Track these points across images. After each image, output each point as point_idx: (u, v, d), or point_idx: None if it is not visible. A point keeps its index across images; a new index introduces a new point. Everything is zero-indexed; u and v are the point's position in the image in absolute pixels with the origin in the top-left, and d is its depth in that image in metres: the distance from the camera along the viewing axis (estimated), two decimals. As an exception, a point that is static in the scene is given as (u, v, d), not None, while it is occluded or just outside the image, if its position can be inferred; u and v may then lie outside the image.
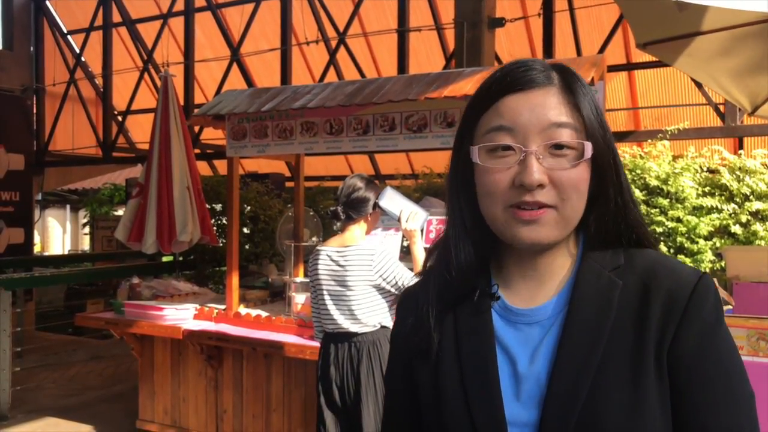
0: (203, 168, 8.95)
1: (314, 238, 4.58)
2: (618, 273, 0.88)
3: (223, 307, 4.21)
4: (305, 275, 4.10)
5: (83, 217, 13.13)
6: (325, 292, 2.92)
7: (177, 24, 8.40)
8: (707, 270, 4.29)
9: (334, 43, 7.43)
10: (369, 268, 2.82)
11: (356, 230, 2.96)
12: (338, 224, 3.02)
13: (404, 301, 1.03)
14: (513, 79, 0.87)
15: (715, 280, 3.08)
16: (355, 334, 2.86)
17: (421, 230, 3.37)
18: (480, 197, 0.90)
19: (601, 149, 0.87)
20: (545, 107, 0.86)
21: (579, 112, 0.87)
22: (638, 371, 0.83)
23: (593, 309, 0.86)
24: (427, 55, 7.44)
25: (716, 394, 0.83)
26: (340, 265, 2.88)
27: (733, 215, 4.30)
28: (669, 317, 0.84)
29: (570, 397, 0.83)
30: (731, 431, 0.82)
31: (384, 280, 2.83)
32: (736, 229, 4.24)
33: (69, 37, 9.57)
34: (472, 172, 0.90)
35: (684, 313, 0.84)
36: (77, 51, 9.36)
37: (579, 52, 6.24)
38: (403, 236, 3.81)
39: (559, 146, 0.85)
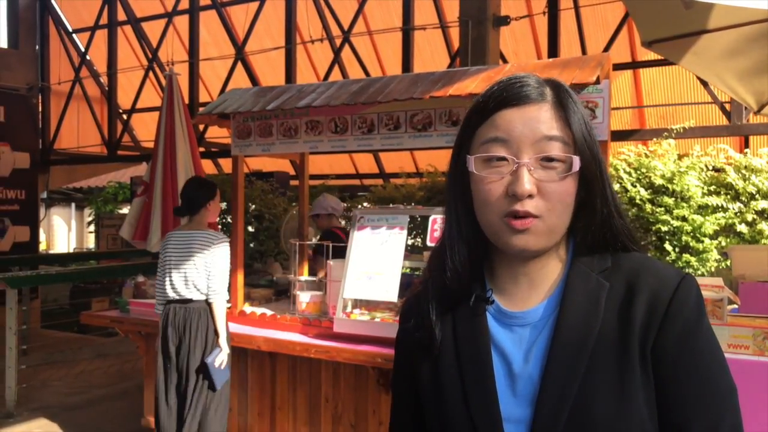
0: (208, 166, 8.96)
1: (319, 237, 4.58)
2: (605, 275, 0.94)
3: (228, 305, 4.20)
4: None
5: (88, 215, 13.20)
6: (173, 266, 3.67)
7: (182, 22, 8.42)
8: (713, 269, 4.27)
9: (338, 42, 7.43)
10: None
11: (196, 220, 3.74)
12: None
13: (408, 305, 1.07)
14: (509, 94, 0.93)
15: (717, 279, 3.05)
16: (190, 301, 3.62)
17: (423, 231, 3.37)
18: (476, 205, 0.95)
19: (589, 162, 0.93)
20: (538, 121, 0.91)
21: (569, 127, 0.92)
22: (625, 368, 0.87)
23: (582, 311, 0.91)
24: (431, 54, 7.44)
25: (697, 388, 0.87)
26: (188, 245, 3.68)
27: (738, 214, 4.28)
28: (652, 316, 0.89)
29: (561, 396, 0.88)
30: (713, 423, 0.86)
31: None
32: (742, 228, 4.22)
33: (74, 35, 9.60)
34: (468, 179, 0.96)
35: (666, 311, 0.88)
36: (82, 50, 9.39)
37: (584, 51, 6.23)
38: (408, 235, 3.81)
39: (549, 159, 0.90)
